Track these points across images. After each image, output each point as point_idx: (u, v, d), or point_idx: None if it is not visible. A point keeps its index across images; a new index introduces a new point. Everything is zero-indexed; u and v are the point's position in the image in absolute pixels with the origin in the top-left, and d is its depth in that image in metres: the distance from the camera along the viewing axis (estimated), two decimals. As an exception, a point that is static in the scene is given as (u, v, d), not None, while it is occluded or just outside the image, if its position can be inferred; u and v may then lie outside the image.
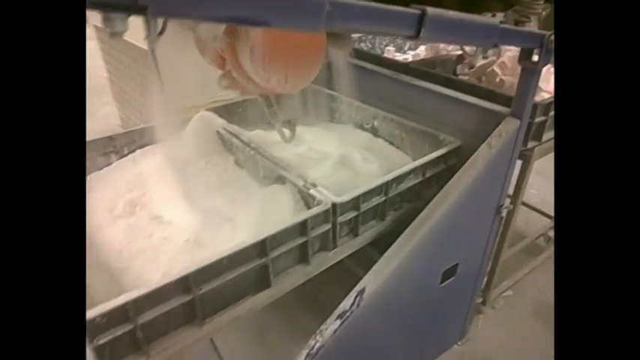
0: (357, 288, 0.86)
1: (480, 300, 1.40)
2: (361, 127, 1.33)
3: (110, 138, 1.08)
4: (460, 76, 1.44)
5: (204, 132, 1.12)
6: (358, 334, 0.89)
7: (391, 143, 1.25)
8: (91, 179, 1.02)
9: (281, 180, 0.90)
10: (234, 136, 1.07)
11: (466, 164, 0.94)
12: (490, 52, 1.49)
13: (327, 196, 0.81)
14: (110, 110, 2.86)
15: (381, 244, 0.92)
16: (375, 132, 1.29)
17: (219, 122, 1.13)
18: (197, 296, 0.63)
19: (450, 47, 1.56)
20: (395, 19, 0.57)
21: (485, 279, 1.33)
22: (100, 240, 0.81)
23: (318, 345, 0.82)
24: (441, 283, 1.07)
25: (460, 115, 1.10)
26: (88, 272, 0.72)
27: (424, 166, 0.98)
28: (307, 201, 0.84)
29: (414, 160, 1.17)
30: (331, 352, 0.83)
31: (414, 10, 0.58)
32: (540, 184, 2.14)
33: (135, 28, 0.38)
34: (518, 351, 1.36)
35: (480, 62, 1.37)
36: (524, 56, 0.87)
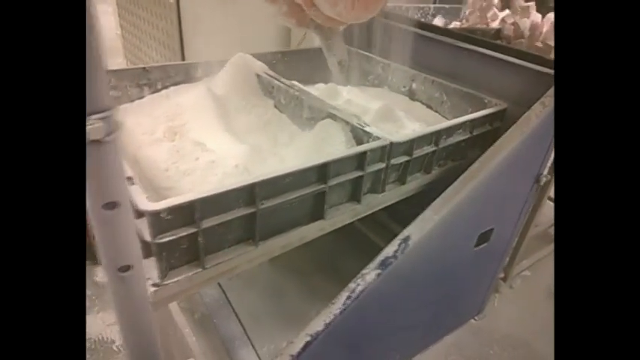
0: (402, 235, 0.83)
1: (501, 275, 1.39)
2: (397, 91, 1.30)
3: (144, 69, 1.03)
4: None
5: (243, 73, 1.08)
6: (397, 283, 0.87)
7: (429, 107, 1.22)
8: (125, 108, 0.98)
9: (331, 117, 0.87)
10: (276, 79, 1.03)
11: (519, 122, 0.92)
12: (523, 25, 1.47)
13: (383, 134, 0.78)
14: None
15: (401, 216, 0.89)
16: (412, 95, 1.26)
17: (259, 65, 1.10)
18: (259, 210, 0.60)
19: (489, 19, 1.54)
20: None
21: (509, 254, 1.32)
22: (143, 157, 0.77)
23: (359, 288, 0.80)
24: (476, 246, 1.05)
25: (506, 78, 1.08)
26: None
27: (473, 122, 0.95)
28: (361, 139, 0.81)
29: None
30: (370, 298, 0.80)
31: None
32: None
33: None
34: (533, 331, 1.36)
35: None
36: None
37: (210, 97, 0.97)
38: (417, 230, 0.84)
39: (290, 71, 1.25)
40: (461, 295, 1.25)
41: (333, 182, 0.69)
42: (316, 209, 0.71)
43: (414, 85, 1.25)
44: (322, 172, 0.67)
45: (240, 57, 1.09)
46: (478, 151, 1.02)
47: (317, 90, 1.26)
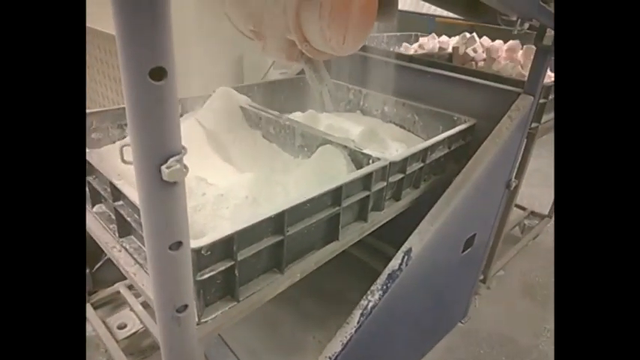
0: (404, 248, 0.88)
1: (480, 277, 1.48)
2: (370, 114, 1.38)
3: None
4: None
5: (227, 106, 1.10)
6: (401, 294, 0.91)
7: (402, 127, 1.31)
8: (108, 150, 0.95)
9: (326, 143, 0.91)
10: (262, 110, 1.06)
11: (492, 134, 1.02)
12: (470, 48, 1.64)
13: (381, 155, 0.84)
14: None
15: (384, 234, 0.94)
16: (384, 117, 1.35)
17: (243, 98, 1.12)
18: (286, 237, 0.62)
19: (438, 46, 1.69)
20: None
21: (486, 257, 1.41)
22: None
23: (371, 304, 0.83)
24: (463, 251, 1.12)
25: (471, 97, 1.19)
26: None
27: (450, 139, 1.04)
28: (359, 162, 0.86)
29: (427, 142, 1.25)
30: (380, 312, 0.84)
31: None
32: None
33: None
34: (515, 327, 1.45)
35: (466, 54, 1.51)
36: (540, 38, 0.98)
37: (200, 131, 0.98)
38: (417, 242, 0.89)
39: (266, 102, 1.28)
40: (451, 299, 1.32)
41: (346, 204, 0.73)
42: (330, 231, 0.74)
43: (385, 109, 1.34)
44: (337, 195, 0.70)
45: (224, 91, 1.11)
46: (454, 164, 1.12)
47: (296, 118, 1.30)
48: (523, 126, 1.09)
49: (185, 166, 0.38)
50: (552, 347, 1.37)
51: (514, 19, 0.89)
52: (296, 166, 0.96)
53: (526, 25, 0.89)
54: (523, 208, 1.99)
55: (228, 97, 1.11)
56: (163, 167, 0.36)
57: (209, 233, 0.68)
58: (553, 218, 2.02)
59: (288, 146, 1.01)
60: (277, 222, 0.61)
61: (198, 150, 0.94)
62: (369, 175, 0.77)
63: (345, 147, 0.88)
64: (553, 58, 1.01)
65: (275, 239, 0.61)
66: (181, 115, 1.11)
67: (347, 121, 1.29)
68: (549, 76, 1.37)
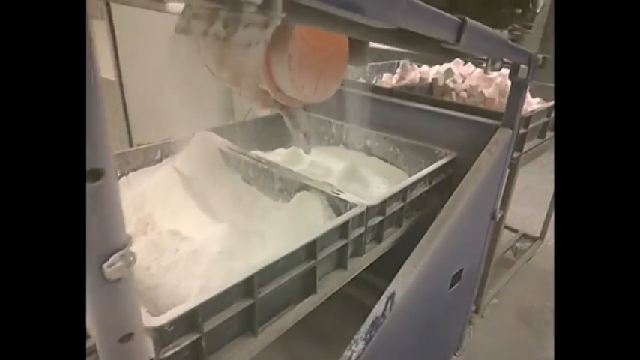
0: (387, 293, 0.86)
1: (473, 308, 1.46)
2: (353, 148, 1.38)
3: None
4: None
5: (206, 150, 1.09)
6: (386, 339, 0.88)
7: (385, 160, 1.30)
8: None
9: (304, 189, 0.90)
10: (241, 153, 1.06)
11: (471, 170, 1.01)
12: (449, 79, 1.66)
13: (359, 200, 0.83)
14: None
15: (378, 268, 0.93)
16: (368, 151, 1.34)
17: (221, 141, 1.12)
18: (257, 300, 0.60)
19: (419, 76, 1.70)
20: (443, 23, 0.63)
21: (477, 287, 1.39)
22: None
23: (355, 355, 0.80)
24: (450, 287, 1.10)
25: (451, 130, 1.19)
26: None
27: (431, 175, 1.03)
28: (337, 207, 0.85)
29: (410, 175, 1.25)
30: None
31: (456, 18, 0.65)
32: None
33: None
34: (510, 356, 1.42)
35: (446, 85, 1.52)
36: (514, 72, 0.99)
37: (177, 179, 0.97)
38: (400, 285, 0.87)
39: (249, 141, 1.28)
40: (442, 334, 1.29)
41: (322, 256, 0.71)
42: (307, 285, 0.72)
43: (368, 142, 1.34)
44: (311, 248, 0.69)
45: (202, 135, 1.11)
46: (436, 198, 1.11)
47: (278, 155, 1.30)
48: (503, 158, 1.08)
49: (133, 256, 0.37)
50: (550, 378, 1.34)
51: (484, 57, 0.90)
52: (275, 210, 0.95)
53: (497, 65, 0.90)
54: (514, 231, 1.98)
55: (207, 142, 1.10)
56: (105, 266, 0.34)
57: (181, 294, 0.66)
58: (546, 240, 2.01)
59: (268, 190, 1.00)
60: (247, 285, 0.59)
61: (173, 199, 0.92)
62: (345, 224, 0.75)
63: (323, 192, 0.86)
64: (528, 89, 1.02)
65: (245, 303, 0.59)
66: (160, 161, 1.10)
67: (329, 157, 1.29)
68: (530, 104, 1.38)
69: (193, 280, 0.70)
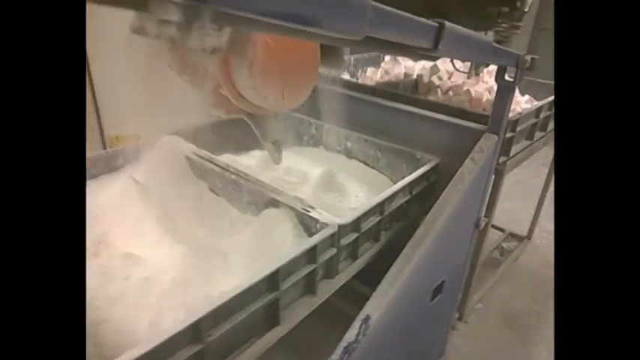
0: (361, 316, 0.80)
1: (456, 316, 1.42)
2: (333, 150, 1.31)
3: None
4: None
5: (171, 158, 1.01)
6: (363, 363, 0.83)
7: (366, 164, 1.24)
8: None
9: (273, 204, 0.83)
10: (208, 161, 0.98)
11: (453, 180, 0.95)
12: (435, 76, 1.59)
13: (330, 218, 0.76)
14: None
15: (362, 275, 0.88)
16: (348, 153, 1.27)
17: (188, 147, 1.03)
18: (207, 345, 0.54)
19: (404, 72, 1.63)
20: (418, 30, 0.56)
21: (461, 293, 1.35)
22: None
23: (326, 385, 0.75)
24: (431, 300, 1.05)
25: (434, 133, 1.13)
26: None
27: (411, 184, 0.97)
28: (307, 225, 0.78)
29: (392, 179, 1.18)
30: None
31: (433, 22, 0.57)
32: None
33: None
34: (495, 361, 1.39)
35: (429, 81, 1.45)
36: (500, 75, 0.92)
37: (135, 190, 0.89)
38: (375, 307, 0.81)
39: (223, 142, 1.20)
40: (423, 346, 1.24)
41: (285, 285, 0.65)
42: (270, 317, 0.66)
43: (348, 144, 1.27)
44: (273, 279, 0.62)
45: (167, 140, 1.03)
46: (418, 207, 1.05)
47: (253, 158, 1.22)
48: (489, 165, 1.02)
49: None
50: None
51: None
52: (243, 225, 0.88)
53: (481, 68, 0.83)
54: (501, 230, 1.94)
55: (171, 148, 1.02)
56: None
57: (128, 329, 0.59)
58: (533, 239, 1.98)
59: (236, 201, 0.93)
60: (194, 330, 0.52)
61: (131, 214, 0.85)
62: (313, 248, 0.69)
63: (292, 208, 0.80)
64: (517, 92, 0.95)
65: (193, 349, 0.52)
66: (116, 170, 1.01)
67: (307, 160, 1.21)
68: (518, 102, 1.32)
69: (142, 314, 0.63)
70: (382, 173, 1.20)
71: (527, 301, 1.65)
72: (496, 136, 0.99)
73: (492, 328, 1.52)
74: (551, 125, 1.41)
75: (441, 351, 1.37)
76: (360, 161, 1.25)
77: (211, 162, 0.97)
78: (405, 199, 0.97)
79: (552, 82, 1.49)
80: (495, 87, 0.96)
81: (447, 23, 0.58)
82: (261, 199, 0.86)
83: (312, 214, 0.77)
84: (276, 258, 0.64)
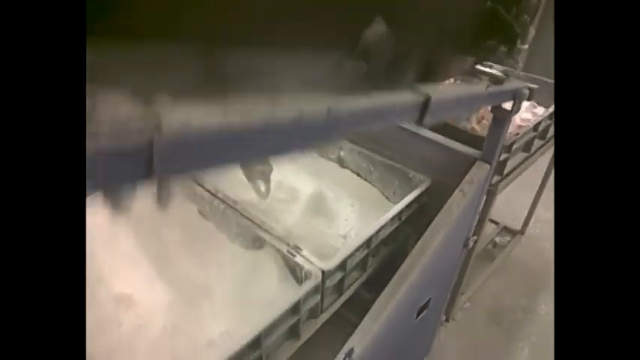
0: (344, 350, 0.84)
1: (443, 318, 1.47)
2: (326, 157, 1.29)
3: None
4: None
5: (161, 178, 1.00)
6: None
7: (359, 175, 1.23)
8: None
9: (259, 242, 0.84)
10: (198, 184, 0.98)
11: (441, 213, 0.95)
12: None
13: (314, 263, 0.77)
14: None
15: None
16: (341, 162, 1.26)
17: (178, 166, 1.03)
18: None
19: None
20: (400, 111, 0.54)
21: (449, 298, 1.39)
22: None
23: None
24: (417, 317, 1.09)
25: (429, 153, 1.11)
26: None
27: (401, 212, 0.97)
28: (293, 268, 0.79)
29: (383, 193, 1.18)
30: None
31: (418, 98, 0.55)
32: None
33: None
34: (481, 358, 1.46)
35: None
36: (497, 105, 0.88)
37: (124, 221, 0.90)
38: (359, 341, 0.84)
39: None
40: (408, 354, 1.30)
41: (267, 342, 0.67)
42: (253, 367, 0.69)
43: (341, 153, 1.25)
44: (255, 343, 0.65)
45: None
46: (409, 230, 1.05)
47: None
48: (479, 193, 1.02)
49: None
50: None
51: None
52: (231, 256, 0.89)
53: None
54: (495, 222, 1.95)
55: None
56: None
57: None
58: (527, 232, 2.00)
59: (225, 227, 0.94)
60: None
61: (120, 249, 0.86)
62: (296, 304, 0.71)
63: (278, 251, 0.81)
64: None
65: (177, 420, 0.56)
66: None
67: (298, 172, 1.20)
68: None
69: (133, 367, 0.67)
70: (374, 186, 1.20)
71: (516, 295, 1.70)
72: (488, 166, 0.97)
73: (477, 323, 1.58)
74: (551, 131, 1.38)
75: (427, 349, 1.44)
76: (353, 171, 1.24)
77: (201, 185, 0.97)
78: (395, 225, 0.97)
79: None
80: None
81: (433, 98, 0.55)
82: (248, 234, 0.87)
83: (297, 259, 0.78)
84: (261, 306, 0.66)
